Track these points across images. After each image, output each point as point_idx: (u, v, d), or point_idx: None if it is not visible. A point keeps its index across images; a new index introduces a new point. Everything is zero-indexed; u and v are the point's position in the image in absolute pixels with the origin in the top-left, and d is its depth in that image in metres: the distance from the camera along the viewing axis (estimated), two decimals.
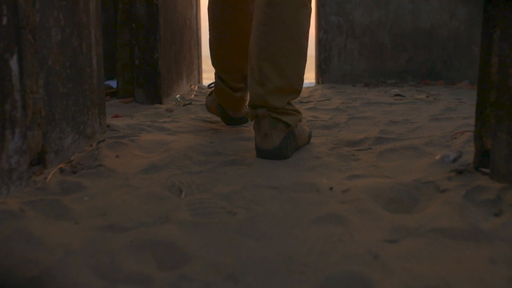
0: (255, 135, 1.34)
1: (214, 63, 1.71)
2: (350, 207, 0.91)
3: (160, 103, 2.45)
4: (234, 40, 1.61)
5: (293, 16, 1.27)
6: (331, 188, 1.02)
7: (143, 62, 2.43)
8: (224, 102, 1.74)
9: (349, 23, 3.86)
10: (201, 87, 3.54)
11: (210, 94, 1.94)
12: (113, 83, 2.82)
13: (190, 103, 2.44)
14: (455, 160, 1.10)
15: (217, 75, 1.73)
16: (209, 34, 1.68)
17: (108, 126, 1.64)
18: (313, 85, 4.10)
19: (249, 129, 1.74)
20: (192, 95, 2.87)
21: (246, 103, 1.65)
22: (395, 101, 2.34)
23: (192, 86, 3.31)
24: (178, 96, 2.73)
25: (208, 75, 8.02)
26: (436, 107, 2.10)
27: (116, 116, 2.03)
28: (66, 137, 1.23)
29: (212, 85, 1.86)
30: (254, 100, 1.31)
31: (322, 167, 1.22)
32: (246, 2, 1.57)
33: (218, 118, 1.98)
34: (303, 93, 3.10)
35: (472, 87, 3.18)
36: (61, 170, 1.14)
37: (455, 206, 0.85)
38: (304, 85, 2.88)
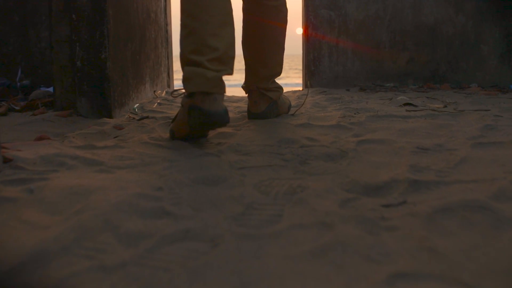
0: (248, 102, 1.89)
1: (186, 47, 1.39)
2: None
3: (110, 116, 1.91)
4: (209, 18, 1.38)
5: (272, 21, 1.78)
6: None
7: (87, 64, 1.89)
8: (198, 86, 1.33)
9: (341, 18, 3.37)
10: (170, 92, 3.00)
11: (174, 119, 1.53)
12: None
13: (147, 117, 1.90)
14: None
15: (187, 63, 1.38)
16: (181, 16, 1.42)
17: (8, 160, 1.10)
18: (300, 86, 3.60)
19: (218, 160, 1.22)
20: (155, 104, 2.33)
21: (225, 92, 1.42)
22: (408, 113, 1.84)
23: (158, 92, 2.77)
24: (136, 105, 2.19)
25: (180, 76, 7.41)
26: (468, 122, 1.61)
27: (40, 139, 1.49)
28: None
29: (176, 91, 1.59)
30: (249, 84, 1.87)
31: (336, 251, 0.70)
32: None
33: (178, 140, 1.46)
34: (291, 100, 2.59)
35: (488, 93, 2.71)
36: None
37: None
38: (290, 88, 2.56)
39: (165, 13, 3.25)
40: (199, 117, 1.33)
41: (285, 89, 3.66)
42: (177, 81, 4.25)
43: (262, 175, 1.11)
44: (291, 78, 14.53)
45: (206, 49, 1.36)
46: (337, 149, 1.29)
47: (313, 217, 0.83)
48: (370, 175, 1.07)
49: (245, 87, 1.89)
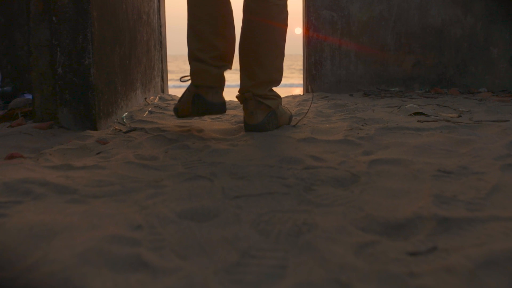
0: (244, 113, 1.72)
1: (192, 44, 1.65)
2: None
3: (95, 128, 1.75)
4: (211, 19, 1.62)
5: (274, 22, 1.65)
6: None
7: (69, 71, 1.72)
8: (203, 81, 1.64)
9: (344, 19, 3.21)
10: (164, 98, 2.84)
11: (180, 99, 1.80)
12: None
13: (135, 129, 1.74)
14: None
15: (193, 58, 1.66)
16: (188, 17, 1.67)
17: None
18: (297, 86, 3.44)
19: (210, 186, 1.06)
20: (146, 113, 2.17)
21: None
22: (421, 125, 1.68)
23: (151, 98, 2.61)
24: (125, 114, 2.03)
25: (176, 77, 7.21)
26: (490, 138, 1.45)
27: (12, 157, 1.32)
28: None
29: (185, 77, 1.76)
30: (243, 90, 1.71)
31: None
32: None
33: (167, 159, 1.30)
34: (291, 107, 2.43)
35: (501, 99, 2.55)
36: None
37: None
38: (290, 91, 2.37)
39: (159, 14, 3.08)
40: (202, 105, 1.63)
41: (284, 91, 3.48)
42: (173, 82, 4.07)
43: (261, 206, 0.95)
44: (288, 79, 14.37)
45: (208, 48, 1.61)
46: (347, 172, 1.13)
47: (324, 271, 0.67)
48: (388, 208, 0.91)
49: (240, 95, 1.73)
